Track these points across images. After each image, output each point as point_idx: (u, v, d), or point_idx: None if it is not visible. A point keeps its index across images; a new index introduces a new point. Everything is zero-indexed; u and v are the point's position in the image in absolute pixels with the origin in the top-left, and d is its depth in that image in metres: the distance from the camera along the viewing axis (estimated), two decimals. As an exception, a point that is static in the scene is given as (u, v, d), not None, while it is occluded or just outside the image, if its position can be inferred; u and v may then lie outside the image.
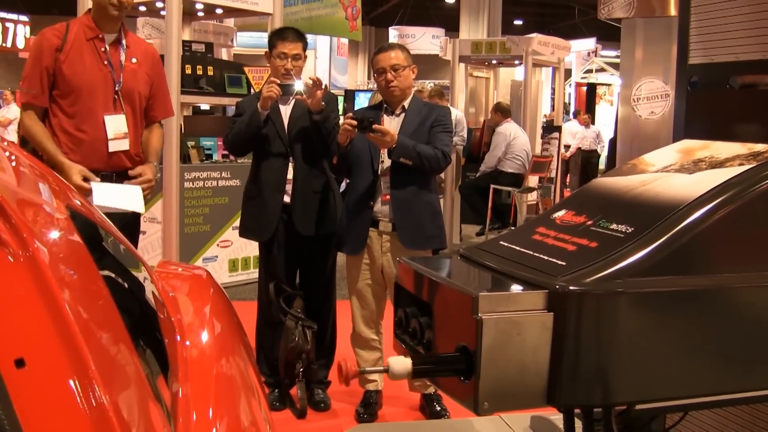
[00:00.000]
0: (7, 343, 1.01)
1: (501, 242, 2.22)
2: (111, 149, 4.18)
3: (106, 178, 4.13)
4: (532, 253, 2.06)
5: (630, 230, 1.95)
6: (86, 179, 3.99)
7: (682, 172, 2.23)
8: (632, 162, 2.53)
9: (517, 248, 2.13)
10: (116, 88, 4.19)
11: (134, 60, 4.30)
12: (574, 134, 18.27)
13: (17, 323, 1.05)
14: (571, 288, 1.79)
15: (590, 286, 1.80)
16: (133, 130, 4.27)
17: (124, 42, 4.26)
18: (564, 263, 1.92)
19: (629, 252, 1.88)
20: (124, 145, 4.24)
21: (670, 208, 1.97)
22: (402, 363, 1.89)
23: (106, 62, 4.18)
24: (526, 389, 1.82)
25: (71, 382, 1.03)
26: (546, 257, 1.99)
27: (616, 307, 1.82)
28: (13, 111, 18.98)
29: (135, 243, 4.48)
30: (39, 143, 4.11)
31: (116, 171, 4.25)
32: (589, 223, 2.08)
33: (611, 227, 2.00)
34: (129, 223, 4.26)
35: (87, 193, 3.91)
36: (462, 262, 2.22)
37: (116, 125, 4.19)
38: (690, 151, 2.43)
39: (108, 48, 4.19)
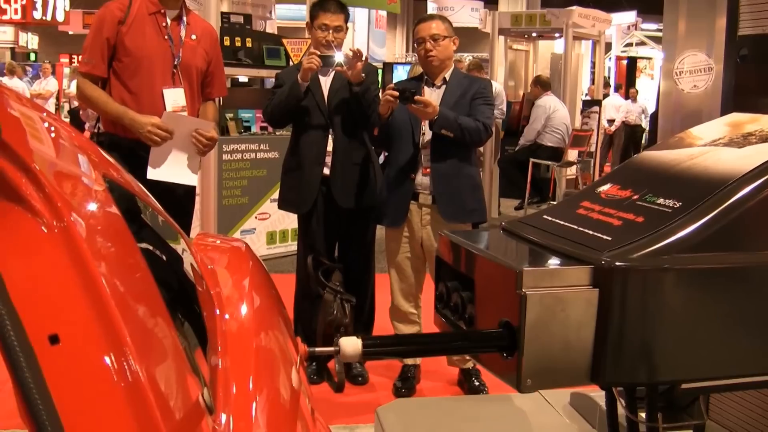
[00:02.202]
0: (41, 319, 0.98)
1: (544, 216, 2.18)
2: None
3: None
4: (576, 227, 2.02)
5: (678, 205, 1.90)
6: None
7: (731, 146, 2.17)
8: (679, 135, 2.47)
9: (561, 222, 2.09)
10: (175, 63, 4.24)
11: (194, 37, 4.35)
12: (617, 108, 18.08)
13: (51, 297, 1.03)
14: (617, 263, 1.75)
15: (637, 261, 1.76)
16: (190, 104, 4.32)
17: (184, 19, 4.32)
18: (610, 238, 1.87)
19: (677, 227, 1.83)
20: None
21: (719, 182, 1.92)
22: (353, 344, 1.87)
23: (166, 37, 4.23)
24: (569, 366, 1.79)
25: (107, 359, 1.00)
26: (591, 232, 1.95)
27: (663, 283, 1.78)
28: (52, 84, 19.12)
29: (191, 214, 4.58)
30: (104, 105, 4.18)
31: None
32: (636, 197, 2.04)
33: (658, 202, 1.96)
34: (187, 194, 4.38)
35: (158, 143, 4.07)
36: (505, 236, 2.18)
37: (175, 98, 4.25)
38: (739, 125, 2.37)
39: (169, 23, 4.25)
